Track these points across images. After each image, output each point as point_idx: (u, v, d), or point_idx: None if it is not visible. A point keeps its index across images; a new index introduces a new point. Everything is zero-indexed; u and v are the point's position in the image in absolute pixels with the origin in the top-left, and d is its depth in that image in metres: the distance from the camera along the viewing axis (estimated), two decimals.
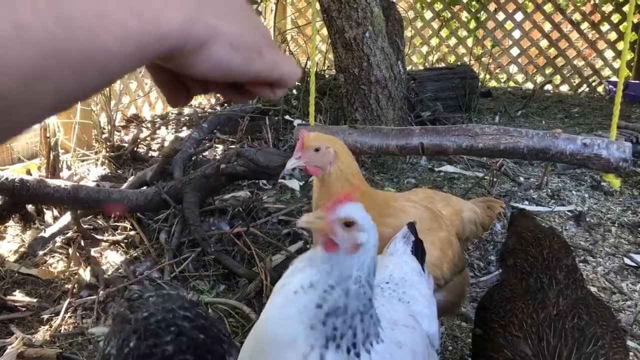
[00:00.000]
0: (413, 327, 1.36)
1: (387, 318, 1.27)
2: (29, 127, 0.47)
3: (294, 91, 6.08)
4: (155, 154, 4.90)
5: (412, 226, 1.79)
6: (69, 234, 3.19)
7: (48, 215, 3.39)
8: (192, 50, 0.51)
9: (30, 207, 3.36)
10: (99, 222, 3.38)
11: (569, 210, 3.81)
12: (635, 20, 7.53)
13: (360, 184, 1.94)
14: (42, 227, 3.28)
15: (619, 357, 1.49)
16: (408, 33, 8.09)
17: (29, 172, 3.48)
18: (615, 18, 8.02)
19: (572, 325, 1.54)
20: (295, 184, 4.09)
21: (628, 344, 2.24)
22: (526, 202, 3.92)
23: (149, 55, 0.49)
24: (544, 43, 8.48)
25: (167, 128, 5.75)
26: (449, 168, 4.58)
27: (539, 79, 8.60)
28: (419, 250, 1.74)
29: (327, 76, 6.23)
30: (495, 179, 4.18)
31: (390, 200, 2.06)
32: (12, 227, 3.32)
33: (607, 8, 8.08)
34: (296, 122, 4.77)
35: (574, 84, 8.34)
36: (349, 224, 1.11)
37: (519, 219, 2.27)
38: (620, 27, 7.97)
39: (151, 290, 1.82)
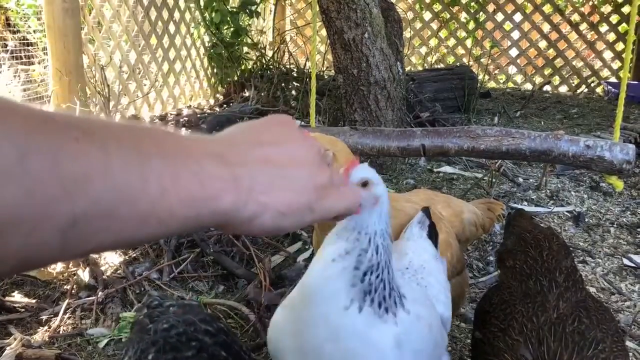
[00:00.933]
0: (430, 305, 1.47)
1: (408, 295, 1.37)
2: (80, 257, 0.54)
3: (293, 92, 6.08)
4: None
5: (427, 210, 1.84)
6: None
7: None
8: (242, 223, 0.60)
9: None
10: None
11: (567, 211, 3.81)
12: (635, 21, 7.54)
13: None
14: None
15: None
16: (407, 34, 8.10)
17: None
18: (614, 19, 8.03)
19: (572, 329, 1.53)
20: None
21: (627, 344, 2.24)
22: (525, 203, 3.92)
23: (204, 222, 0.57)
24: (542, 44, 8.49)
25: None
26: (447, 169, 4.58)
27: (538, 79, 8.61)
28: (432, 234, 1.80)
29: (326, 77, 6.23)
30: (494, 180, 4.18)
31: (391, 200, 2.05)
32: None
33: (606, 9, 8.10)
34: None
35: (573, 85, 8.35)
36: (365, 184, 1.22)
37: (517, 220, 2.26)
38: (619, 28, 7.98)
39: (171, 298, 1.79)
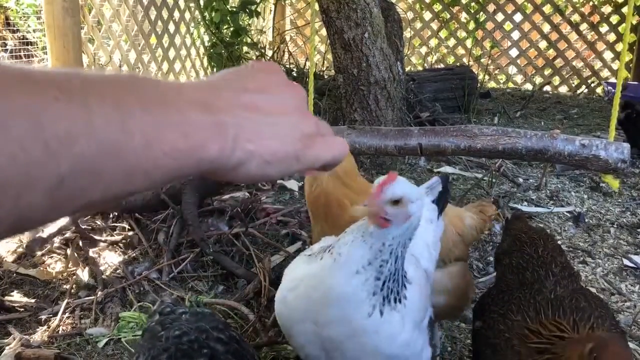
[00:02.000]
0: (415, 264, 1.59)
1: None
2: (71, 214, 0.54)
3: None
4: None
5: (444, 178, 1.90)
6: (68, 235, 3.18)
7: None
8: (229, 170, 0.60)
9: None
10: (97, 222, 3.37)
11: (568, 211, 3.81)
12: (634, 22, 7.54)
13: (352, 183, 1.94)
14: (41, 227, 3.27)
15: (619, 336, 1.51)
16: (407, 34, 8.09)
17: None
18: (614, 19, 8.02)
19: (570, 305, 1.56)
20: (294, 185, 4.09)
21: None
22: (525, 203, 3.92)
23: (190, 171, 0.58)
24: (543, 44, 8.48)
25: None
26: (447, 169, 4.57)
27: (538, 80, 8.60)
28: (441, 201, 1.87)
29: (326, 77, 6.22)
30: (494, 180, 4.18)
31: None
32: None
33: (606, 9, 8.09)
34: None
35: (573, 85, 8.34)
36: (397, 201, 1.27)
37: (514, 222, 2.28)
38: (619, 28, 7.97)
39: (184, 305, 1.79)
